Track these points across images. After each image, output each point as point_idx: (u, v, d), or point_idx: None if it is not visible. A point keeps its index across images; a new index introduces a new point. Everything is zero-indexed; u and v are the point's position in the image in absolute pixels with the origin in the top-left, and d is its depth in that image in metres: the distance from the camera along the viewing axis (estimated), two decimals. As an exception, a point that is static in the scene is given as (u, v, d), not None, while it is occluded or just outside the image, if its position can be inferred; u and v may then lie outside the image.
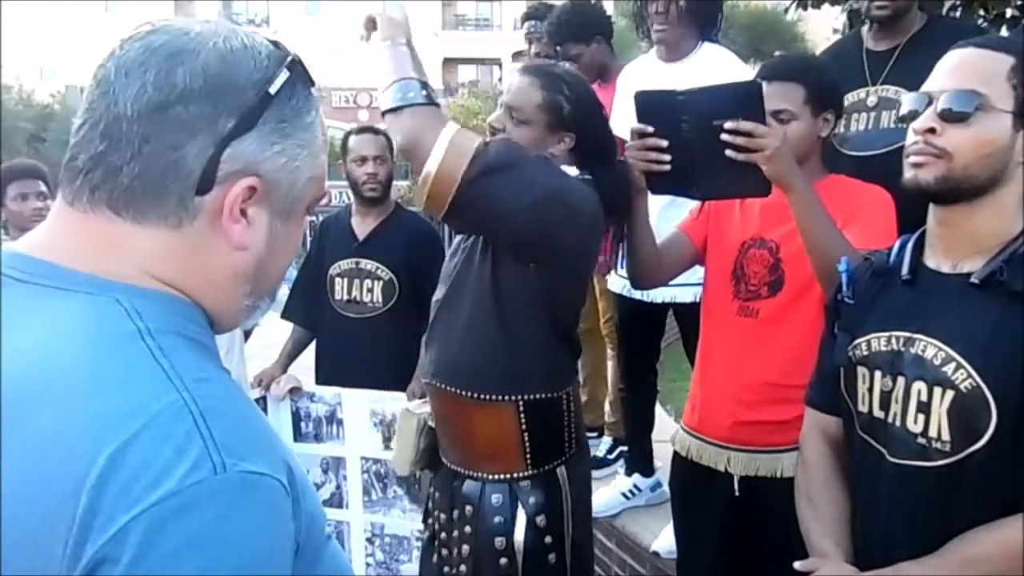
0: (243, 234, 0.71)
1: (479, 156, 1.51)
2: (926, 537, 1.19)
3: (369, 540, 2.73)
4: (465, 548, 1.71)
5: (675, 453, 1.95)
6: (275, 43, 0.73)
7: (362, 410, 2.66)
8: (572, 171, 1.72)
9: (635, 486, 2.89)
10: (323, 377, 2.85)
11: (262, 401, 2.75)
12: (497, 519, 1.67)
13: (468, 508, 1.71)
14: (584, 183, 1.69)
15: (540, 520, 1.67)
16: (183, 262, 0.70)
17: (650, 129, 1.66)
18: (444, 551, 1.78)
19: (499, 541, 1.66)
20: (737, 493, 1.79)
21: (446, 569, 1.78)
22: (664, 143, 1.64)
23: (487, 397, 1.66)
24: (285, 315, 2.97)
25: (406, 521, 2.66)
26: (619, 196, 1.74)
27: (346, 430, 2.71)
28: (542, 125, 1.67)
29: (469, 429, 1.70)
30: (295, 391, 2.74)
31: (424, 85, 1.60)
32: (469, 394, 1.67)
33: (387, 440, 2.63)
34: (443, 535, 1.78)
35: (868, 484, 1.29)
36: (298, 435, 2.76)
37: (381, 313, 2.76)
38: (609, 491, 2.88)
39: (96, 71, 0.70)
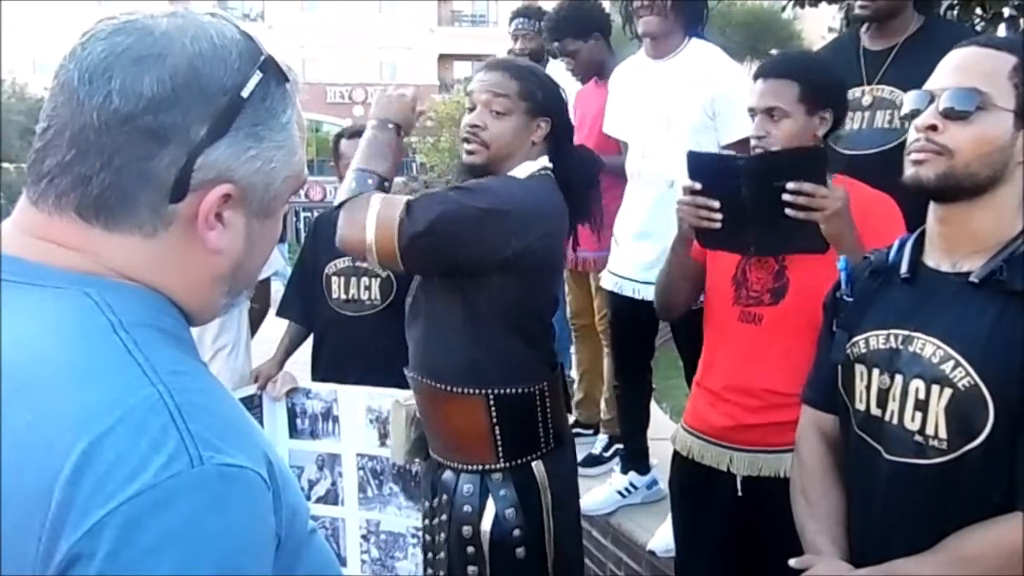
0: (219, 239, 0.70)
1: (403, 225, 1.60)
2: (922, 535, 1.19)
3: (364, 537, 2.72)
4: (442, 535, 1.78)
5: (675, 452, 1.93)
6: (247, 36, 0.70)
7: (358, 407, 2.66)
8: (540, 162, 1.77)
9: (631, 484, 2.89)
10: (321, 375, 2.84)
11: (258, 398, 2.74)
12: (467, 508, 1.73)
13: (444, 497, 1.78)
14: (538, 180, 1.74)
15: (509, 513, 1.71)
16: (157, 267, 0.69)
17: (698, 186, 1.71)
18: (428, 537, 1.86)
19: (467, 530, 1.72)
20: (740, 493, 1.78)
21: (430, 555, 1.86)
22: (716, 203, 1.69)
23: (457, 390, 1.71)
24: (281, 313, 2.95)
25: (401, 518, 2.65)
26: (582, 178, 1.83)
27: (342, 427, 2.70)
28: (522, 113, 1.73)
29: (444, 420, 1.78)
30: (292, 391, 2.73)
31: (381, 178, 1.70)
32: (442, 386, 1.73)
33: (383, 437, 2.62)
34: (426, 522, 1.87)
35: (864, 482, 1.30)
36: (294, 432, 2.75)
37: (380, 310, 2.75)
38: (605, 489, 2.88)
39: (58, 71, 0.67)
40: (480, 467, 1.74)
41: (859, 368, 1.30)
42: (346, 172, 2.78)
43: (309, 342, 2.95)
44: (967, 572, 1.15)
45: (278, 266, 3.05)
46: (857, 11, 2.15)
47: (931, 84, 1.22)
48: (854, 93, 2.17)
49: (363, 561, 2.72)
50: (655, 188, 2.51)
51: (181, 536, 0.57)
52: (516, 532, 1.71)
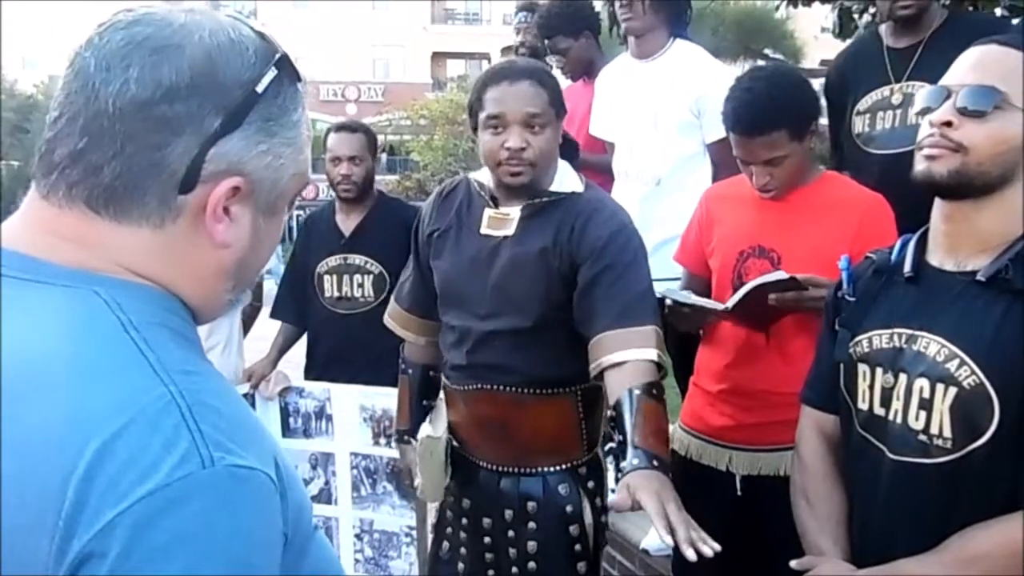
0: (226, 232, 0.70)
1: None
2: (926, 534, 1.18)
3: (358, 536, 2.71)
4: (531, 544, 1.74)
5: (672, 452, 1.93)
6: (262, 35, 0.71)
7: (351, 405, 2.64)
8: (566, 167, 1.75)
9: (625, 482, 2.87)
10: (314, 373, 2.83)
11: (250, 397, 2.72)
12: (569, 508, 1.74)
13: (531, 504, 1.75)
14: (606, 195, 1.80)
15: (598, 501, 1.78)
16: (164, 260, 0.69)
17: (687, 309, 1.76)
18: (488, 555, 1.80)
19: (574, 528, 1.73)
20: (739, 492, 1.78)
21: (491, 573, 1.80)
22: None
23: (549, 391, 1.72)
24: (274, 315, 2.93)
25: (395, 517, 2.64)
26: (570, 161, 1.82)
27: (335, 426, 2.68)
28: (554, 120, 1.68)
29: (532, 423, 1.74)
30: (285, 390, 2.71)
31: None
32: (532, 391, 1.71)
33: (376, 436, 2.61)
34: (486, 540, 1.80)
35: (867, 482, 1.29)
36: (287, 431, 2.73)
37: (374, 307, 2.73)
38: (598, 487, 2.87)
39: (73, 59, 0.67)
40: (570, 464, 1.76)
41: (862, 367, 1.29)
42: (328, 166, 2.78)
43: (303, 341, 2.93)
44: (971, 572, 1.14)
45: (271, 264, 3.01)
46: (899, 12, 2.12)
47: (948, 80, 1.20)
48: (882, 92, 2.16)
49: (356, 560, 2.71)
50: (643, 186, 2.54)
51: (192, 536, 0.57)
52: (603, 518, 1.79)
